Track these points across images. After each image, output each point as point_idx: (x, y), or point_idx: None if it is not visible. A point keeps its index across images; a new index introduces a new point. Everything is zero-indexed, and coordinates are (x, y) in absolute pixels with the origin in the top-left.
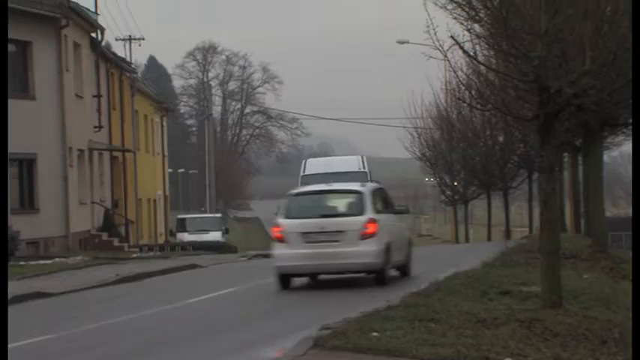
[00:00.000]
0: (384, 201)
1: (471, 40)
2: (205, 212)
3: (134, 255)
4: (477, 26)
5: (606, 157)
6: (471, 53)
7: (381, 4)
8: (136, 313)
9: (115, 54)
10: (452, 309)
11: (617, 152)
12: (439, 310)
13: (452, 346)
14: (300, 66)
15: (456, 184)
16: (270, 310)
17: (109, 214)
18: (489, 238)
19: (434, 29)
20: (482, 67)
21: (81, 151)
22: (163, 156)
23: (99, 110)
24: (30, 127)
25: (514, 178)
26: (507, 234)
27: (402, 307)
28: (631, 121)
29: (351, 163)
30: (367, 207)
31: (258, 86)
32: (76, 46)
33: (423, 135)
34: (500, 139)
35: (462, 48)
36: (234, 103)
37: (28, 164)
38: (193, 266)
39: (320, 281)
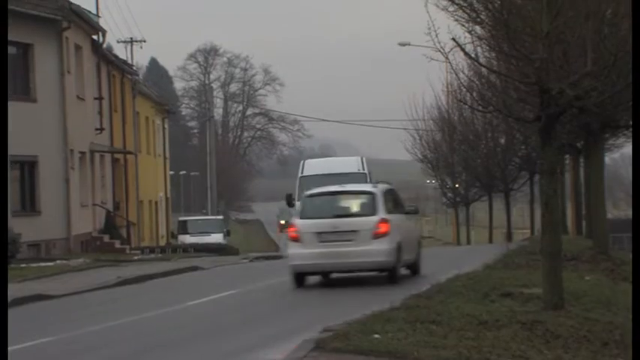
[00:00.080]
0: (394, 201)
1: (472, 42)
2: (207, 214)
3: (135, 257)
4: (478, 28)
5: (607, 159)
6: (473, 55)
7: (382, 7)
8: (138, 315)
9: (116, 56)
10: (453, 311)
11: (619, 154)
12: (441, 312)
13: (453, 348)
14: (301, 68)
15: (457, 186)
16: (271, 312)
17: (110, 216)
18: (491, 240)
19: (435, 31)
20: (483, 69)
21: (82, 153)
22: (165, 158)
23: (100, 112)
24: (31, 130)
25: (515, 180)
26: (509, 236)
27: (404, 309)
28: (632, 122)
29: (350, 164)
30: (379, 207)
31: (260, 88)
32: (78, 48)
33: (425, 137)
34: (502, 140)
35: (463, 50)
36: (235, 105)
37: (29, 166)
38: (195, 268)
39: (322, 282)
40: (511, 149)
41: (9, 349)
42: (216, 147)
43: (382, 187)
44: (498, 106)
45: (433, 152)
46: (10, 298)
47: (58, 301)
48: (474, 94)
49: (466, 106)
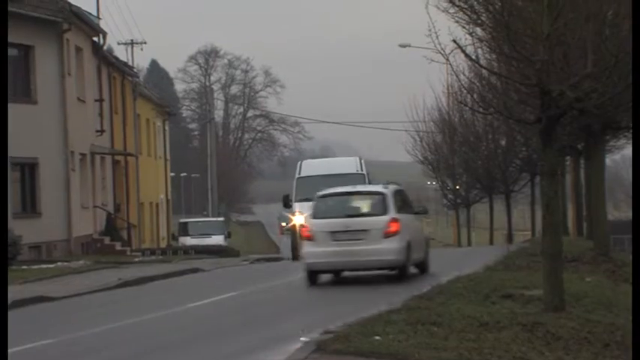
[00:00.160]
0: (404, 202)
1: (473, 44)
2: (207, 216)
3: (136, 259)
4: (478, 30)
5: (608, 160)
6: (473, 57)
7: (383, 8)
8: (138, 317)
9: (117, 58)
10: (454, 312)
11: (619, 155)
12: (441, 313)
13: (454, 349)
14: (301, 69)
15: (458, 187)
16: (272, 314)
17: (111, 218)
18: (491, 242)
19: (436, 33)
20: (484, 71)
21: (83, 155)
22: (165, 160)
23: (101, 114)
24: (32, 132)
25: (516, 181)
26: (509, 237)
27: (405, 311)
28: (632, 124)
29: (348, 164)
30: (390, 207)
31: (260, 90)
32: (78, 50)
33: (425, 138)
34: (503, 142)
35: (463, 51)
36: (236, 106)
37: (30, 168)
38: (195, 270)
39: (324, 283)
40: (512, 151)
41: (10, 350)
42: (216, 149)
43: (392, 187)
44: (499, 108)
45: (434, 154)
46: (11, 300)
47: (59, 302)
48: (475, 95)
49: (467, 108)
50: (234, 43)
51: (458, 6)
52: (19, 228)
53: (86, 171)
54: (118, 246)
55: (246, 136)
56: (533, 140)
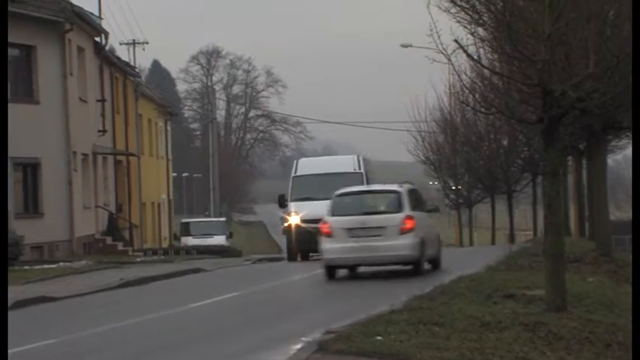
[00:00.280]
0: (417, 200)
1: (475, 44)
2: (209, 216)
3: (138, 259)
4: (480, 30)
5: (610, 160)
6: (475, 57)
7: (384, 8)
8: (140, 317)
9: (118, 58)
10: (456, 312)
11: (621, 156)
12: (443, 313)
13: (456, 349)
14: (303, 69)
15: (459, 187)
16: (274, 314)
17: (113, 218)
18: (493, 242)
19: (437, 33)
20: (485, 71)
21: (85, 155)
22: (167, 160)
23: (103, 114)
24: (34, 132)
25: (518, 181)
26: (511, 237)
27: (406, 311)
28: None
29: (345, 163)
30: (405, 205)
31: (262, 90)
32: (80, 50)
33: (427, 138)
34: (504, 142)
35: (465, 51)
36: (238, 106)
37: (32, 169)
38: (197, 270)
39: (326, 284)
40: (514, 151)
41: (11, 351)
42: (218, 149)
43: (407, 186)
44: (501, 108)
45: (435, 154)
46: (12, 300)
47: (61, 303)
48: (477, 95)
49: (468, 108)
50: (235, 43)
51: (459, 6)
52: (22, 228)
53: (88, 171)
54: (120, 246)
55: (248, 136)
56: (535, 140)
